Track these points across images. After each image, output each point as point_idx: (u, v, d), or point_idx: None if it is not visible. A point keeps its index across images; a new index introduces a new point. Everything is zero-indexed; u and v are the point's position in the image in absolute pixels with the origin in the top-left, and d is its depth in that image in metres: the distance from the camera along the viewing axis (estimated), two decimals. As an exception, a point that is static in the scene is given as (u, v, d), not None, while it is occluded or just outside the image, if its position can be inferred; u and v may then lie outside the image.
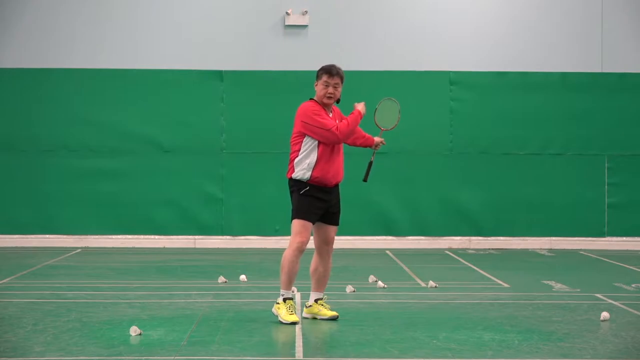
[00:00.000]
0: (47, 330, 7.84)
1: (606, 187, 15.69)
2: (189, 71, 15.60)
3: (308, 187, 8.26)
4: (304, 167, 8.26)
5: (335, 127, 8.24)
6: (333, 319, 8.38)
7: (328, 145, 8.26)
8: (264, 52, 15.69)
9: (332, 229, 8.45)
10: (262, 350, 7.24)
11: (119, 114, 15.55)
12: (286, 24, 15.69)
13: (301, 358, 6.96)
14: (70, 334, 7.69)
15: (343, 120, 8.36)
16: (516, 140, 15.71)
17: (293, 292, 10.00)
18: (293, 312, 8.23)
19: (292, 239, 8.25)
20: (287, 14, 15.64)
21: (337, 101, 8.46)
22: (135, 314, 8.68)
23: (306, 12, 15.66)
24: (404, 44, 15.79)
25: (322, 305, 8.46)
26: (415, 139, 15.68)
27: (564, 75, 15.73)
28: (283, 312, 8.22)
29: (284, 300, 8.27)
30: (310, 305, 8.49)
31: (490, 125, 15.70)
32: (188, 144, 15.58)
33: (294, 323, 8.15)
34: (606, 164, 15.69)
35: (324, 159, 8.26)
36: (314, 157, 8.25)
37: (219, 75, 15.61)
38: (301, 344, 7.42)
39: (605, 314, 8.54)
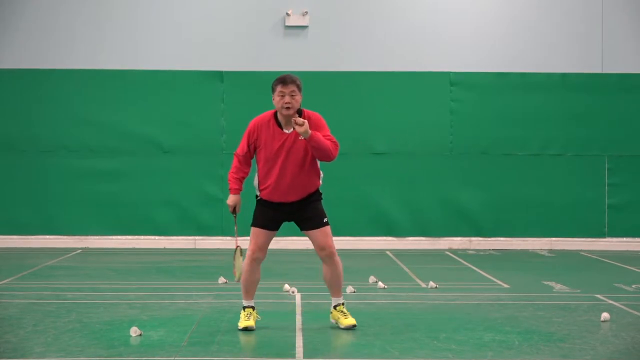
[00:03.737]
0: (47, 331, 7.84)
1: (606, 187, 15.69)
2: (189, 72, 15.61)
3: (259, 198, 8.07)
4: (255, 183, 8.08)
5: (237, 155, 8.02)
6: (349, 328, 8.03)
7: (269, 163, 7.89)
8: (264, 52, 15.70)
9: (317, 233, 7.97)
10: (262, 351, 7.25)
11: (119, 114, 15.56)
12: (286, 24, 15.70)
13: (301, 359, 6.96)
14: (70, 335, 7.69)
15: (234, 166, 8.01)
16: (516, 141, 15.71)
17: (293, 293, 10.02)
18: (250, 318, 7.98)
19: (248, 249, 8.08)
20: (287, 14, 15.64)
21: (298, 111, 7.88)
22: (135, 315, 8.68)
23: (306, 12, 15.66)
24: (404, 45, 15.79)
25: (341, 311, 8.12)
26: (415, 139, 15.68)
27: (564, 76, 15.73)
28: (240, 318, 8.04)
29: (243, 308, 8.07)
30: (332, 312, 8.22)
31: (490, 125, 15.70)
32: (188, 144, 15.58)
33: (245, 329, 7.92)
34: (606, 165, 15.69)
35: (266, 180, 7.93)
36: (256, 177, 8.07)
37: (219, 75, 15.61)
38: (301, 344, 7.42)
39: (605, 315, 8.55)
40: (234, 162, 8.09)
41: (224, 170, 15.43)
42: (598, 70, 15.75)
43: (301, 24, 15.69)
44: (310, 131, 7.70)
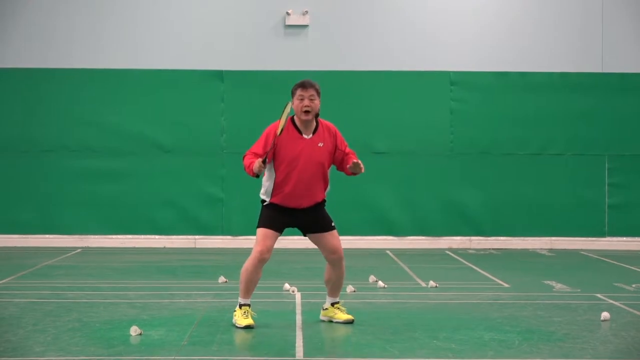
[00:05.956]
0: (47, 330, 7.83)
1: (606, 187, 15.69)
2: (189, 71, 15.61)
3: (268, 204, 8.01)
4: (264, 189, 8.03)
5: (247, 155, 7.89)
6: (348, 322, 8.18)
7: (289, 167, 7.87)
8: (264, 52, 15.70)
9: (328, 236, 8.04)
10: (262, 350, 7.24)
11: (119, 114, 15.56)
12: (286, 24, 15.70)
13: (301, 358, 6.96)
14: (70, 334, 7.69)
15: (247, 156, 7.87)
16: (516, 141, 15.72)
17: (293, 292, 10.03)
18: (248, 316, 8.00)
19: (253, 249, 7.99)
20: (288, 14, 15.65)
21: (316, 115, 7.98)
22: (135, 314, 8.68)
23: (306, 12, 15.66)
24: (404, 44, 15.80)
25: (338, 308, 8.27)
26: (415, 139, 15.69)
27: (564, 76, 15.73)
28: (238, 317, 8.02)
29: (240, 306, 8.05)
30: (326, 308, 8.31)
31: (490, 125, 15.70)
32: (188, 144, 15.59)
33: (248, 327, 7.94)
34: (606, 164, 15.69)
35: (283, 184, 7.90)
36: (271, 182, 7.97)
37: (220, 75, 15.62)
38: (301, 344, 7.41)
39: (605, 314, 8.54)
40: (247, 158, 7.89)
41: (224, 170, 15.46)
42: (598, 70, 15.76)
43: (301, 23, 15.69)
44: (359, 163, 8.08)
